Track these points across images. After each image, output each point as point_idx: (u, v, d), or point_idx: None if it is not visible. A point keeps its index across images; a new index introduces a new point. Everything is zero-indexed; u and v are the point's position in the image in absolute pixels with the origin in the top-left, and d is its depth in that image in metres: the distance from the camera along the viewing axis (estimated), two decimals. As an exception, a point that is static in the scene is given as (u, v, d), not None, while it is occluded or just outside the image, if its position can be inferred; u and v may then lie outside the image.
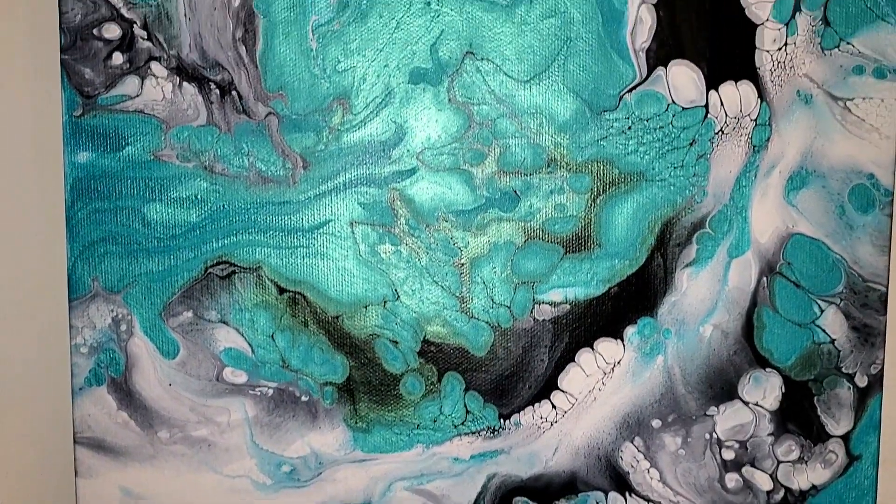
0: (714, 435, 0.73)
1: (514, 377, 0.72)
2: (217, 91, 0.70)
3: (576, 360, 0.72)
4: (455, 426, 0.73)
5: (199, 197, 0.71)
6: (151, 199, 0.71)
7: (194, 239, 0.71)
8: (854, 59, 0.70)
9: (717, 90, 0.70)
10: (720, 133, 0.71)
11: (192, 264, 0.71)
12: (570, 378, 0.72)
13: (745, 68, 0.70)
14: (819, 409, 0.73)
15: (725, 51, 0.70)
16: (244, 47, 0.70)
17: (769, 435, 0.73)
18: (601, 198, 0.71)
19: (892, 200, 0.71)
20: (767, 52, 0.70)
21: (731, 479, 0.73)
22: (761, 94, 0.70)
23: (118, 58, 0.70)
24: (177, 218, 0.71)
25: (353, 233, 0.71)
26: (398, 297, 0.72)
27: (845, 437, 0.73)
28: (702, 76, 0.70)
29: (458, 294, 0.72)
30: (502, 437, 0.73)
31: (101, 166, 0.70)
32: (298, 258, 0.71)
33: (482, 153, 0.71)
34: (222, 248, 0.71)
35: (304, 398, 0.72)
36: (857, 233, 0.71)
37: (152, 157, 0.70)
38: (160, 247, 0.71)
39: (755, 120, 0.71)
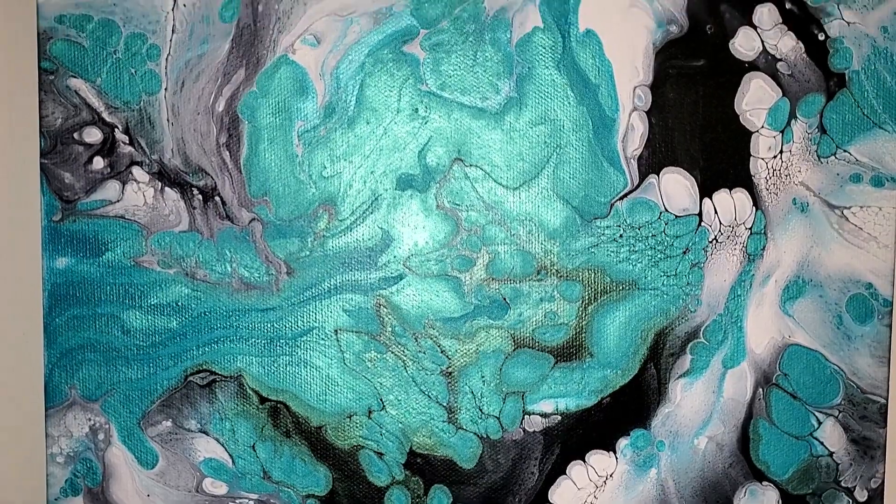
0: (709, 550, 0.71)
1: (503, 490, 0.70)
2: (200, 196, 0.69)
3: (567, 472, 0.70)
4: (442, 540, 0.70)
5: (179, 304, 0.69)
6: (131, 305, 0.69)
7: (174, 346, 0.69)
8: (851, 166, 0.69)
9: (710, 198, 0.69)
10: (714, 241, 0.69)
11: (172, 372, 0.69)
12: (561, 491, 0.70)
13: (739, 176, 0.69)
14: (818, 524, 0.71)
15: (719, 158, 0.69)
16: (228, 152, 0.68)
17: (766, 550, 0.71)
18: (593, 306, 0.69)
19: (892, 311, 0.69)
20: (762, 159, 0.69)
21: None
22: (756, 202, 0.69)
23: (99, 162, 0.68)
24: (157, 325, 0.69)
25: (338, 340, 0.69)
26: (384, 406, 0.70)
27: (845, 553, 0.71)
28: (695, 184, 0.69)
29: (445, 404, 0.70)
30: (490, 552, 0.71)
31: (80, 272, 0.69)
32: (281, 366, 0.69)
33: (470, 260, 0.69)
34: (203, 356, 0.69)
35: (285, 511, 0.70)
36: (855, 343, 0.70)
37: (132, 264, 0.69)
38: (139, 354, 0.69)
39: (750, 228, 0.69)
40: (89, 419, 0.70)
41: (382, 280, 0.69)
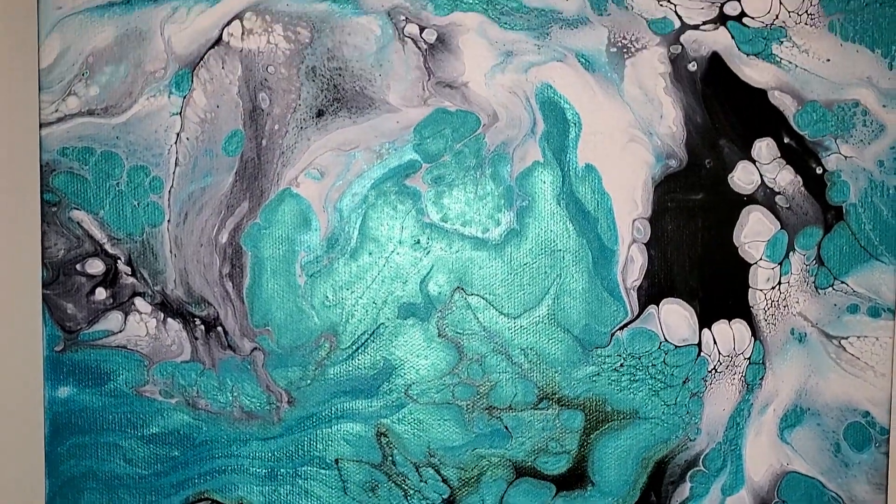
0: None
1: None
2: (202, 327, 0.69)
3: None
4: None
5: (181, 432, 0.69)
6: (133, 434, 0.69)
7: (176, 475, 0.69)
8: (848, 297, 0.69)
9: (710, 328, 0.69)
10: (713, 371, 0.70)
11: (174, 501, 0.69)
12: None
13: (738, 307, 0.69)
14: None
15: (718, 290, 0.69)
16: (231, 283, 0.69)
17: None
18: (594, 435, 0.70)
19: (889, 438, 0.70)
20: (761, 290, 0.69)
21: None
22: (755, 333, 0.70)
23: (101, 293, 0.69)
24: (159, 453, 0.69)
25: (339, 470, 0.69)
26: (385, 535, 0.70)
27: None
28: (694, 315, 0.69)
29: (446, 532, 0.70)
30: None
31: (81, 401, 0.69)
32: (282, 496, 0.69)
33: (472, 388, 0.69)
34: (204, 485, 0.69)
35: None
36: (852, 471, 0.70)
37: (135, 393, 0.69)
38: (141, 483, 0.69)
39: (749, 358, 0.70)
40: (90, 547, 0.70)
41: (384, 408, 0.69)
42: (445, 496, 0.70)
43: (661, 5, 0.68)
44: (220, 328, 0.69)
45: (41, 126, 0.67)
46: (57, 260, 0.68)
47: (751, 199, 0.69)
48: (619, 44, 0.68)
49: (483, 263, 0.69)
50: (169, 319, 0.69)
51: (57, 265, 0.68)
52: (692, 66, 0.68)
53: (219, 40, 0.67)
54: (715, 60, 0.68)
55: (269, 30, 0.67)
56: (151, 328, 0.69)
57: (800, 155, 0.69)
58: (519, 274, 0.69)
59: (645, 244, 0.69)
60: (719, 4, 0.68)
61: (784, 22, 0.68)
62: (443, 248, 0.69)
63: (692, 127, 0.68)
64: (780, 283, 0.69)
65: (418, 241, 0.69)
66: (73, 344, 0.69)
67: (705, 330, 0.69)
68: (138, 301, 0.69)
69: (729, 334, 0.70)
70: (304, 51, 0.67)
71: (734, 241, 0.69)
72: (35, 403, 0.69)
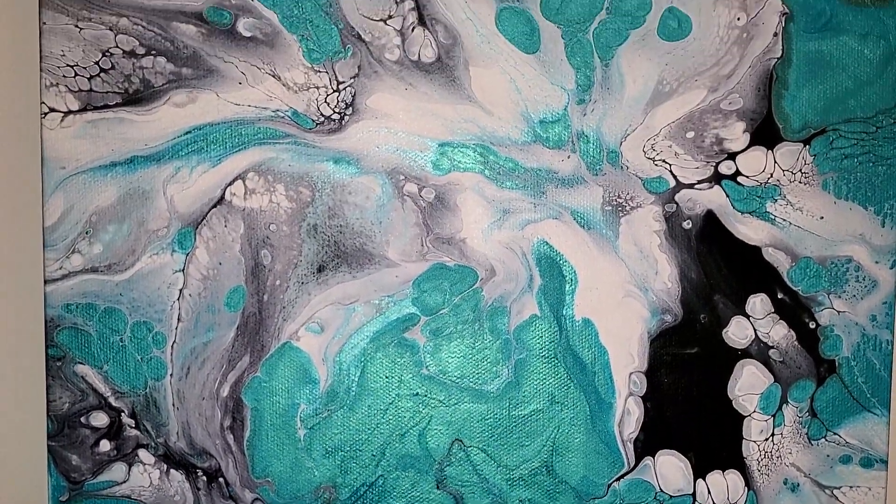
0: None
1: None
2: (204, 478, 0.70)
3: None
4: None
5: (184, 580, 0.70)
6: (136, 582, 0.70)
7: None
8: (841, 448, 0.70)
9: (704, 479, 0.70)
10: (708, 521, 0.71)
11: None
12: None
13: (732, 458, 0.70)
14: None
15: (713, 441, 0.70)
16: (232, 435, 0.70)
17: None
18: (589, 582, 0.71)
19: (881, 585, 0.71)
20: (754, 442, 0.70)
21: None
22: (748, 483, 0.71)
23: (105, 445, 0.70)
24: None
25: None
26: None
27: None
28: (689, 466, 0.70)
29: None
30: None
31: (85, 550, 0.70)
32: None
33: (470, 536, 0.71)
34: None
35: None
36: None
37: (138, 542, 0.70)
38: None
39: (743, 508, 0.71)
40: None
41: (383, 556, 0.71)
42: None
43: (657, 165, 0.69)
44: (221, 479, 0.70)
45: (46, 283, 0.68)
46: (62, 413, 0.69)
47: (745, 354, 0.70)
48: (615, 202, 0.69)
49: (481, 415, 0.70)
50: (172, 470, 0.70)
51: (62, 418, 0.69)
52: (687, 224, 0.69)
53: (221, 199, 0.68)
54: (709, 218, 0.69)
55: (272, 189, 0.68)
56: (155, 479, 0.70)
57: (793, 310, 0.69)
58: (517, 426, 0.70)
59: (641, 397, 0.70)
60: (714, 164, 0.69)
61: (778, 180, 0.69)
62: (441, 401, 0.70)
63: (687, 283, 0.69)
64: (773, 434, 0.70)
65: (417, 394, 0.70)
66: (78, 494, 0.70)
67: (700, 480, 0.70)
68: (142, 453, 0.70)
69: (723, 484, 0.71)
70: (305, 209, 0.69)
71: (728, 393, 0.70)
72: (40, 552, 0.70)
